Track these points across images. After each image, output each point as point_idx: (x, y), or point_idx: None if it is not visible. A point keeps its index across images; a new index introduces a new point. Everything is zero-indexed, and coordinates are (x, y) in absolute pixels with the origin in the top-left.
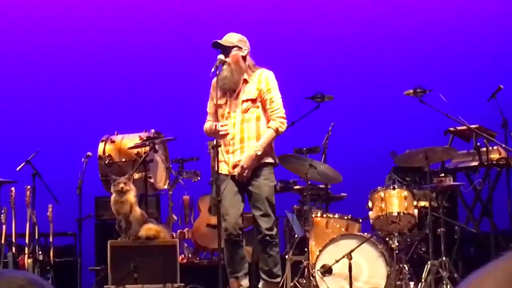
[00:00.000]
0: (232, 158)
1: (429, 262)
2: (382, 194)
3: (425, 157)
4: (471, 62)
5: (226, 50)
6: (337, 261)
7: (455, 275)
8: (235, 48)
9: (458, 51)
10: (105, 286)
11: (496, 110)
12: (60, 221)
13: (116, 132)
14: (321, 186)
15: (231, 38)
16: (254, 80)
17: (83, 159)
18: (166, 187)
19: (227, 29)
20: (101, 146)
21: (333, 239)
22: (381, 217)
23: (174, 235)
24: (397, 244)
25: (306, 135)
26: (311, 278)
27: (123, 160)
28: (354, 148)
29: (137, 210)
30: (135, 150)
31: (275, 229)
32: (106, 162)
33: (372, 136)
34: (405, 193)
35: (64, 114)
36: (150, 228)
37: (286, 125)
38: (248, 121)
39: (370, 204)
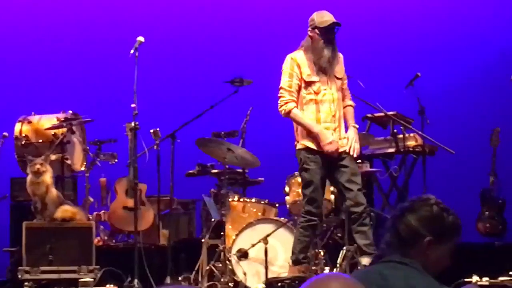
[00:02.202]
0: (334, 135)
1: (344, 248)
2: (299, 179)
3: None
4: (390, 49)
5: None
6: (253, 246)
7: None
8: None
9: (377, 37)
10: (19, 268)
11: (413, 97)
12: None
13: (33, 112)
14: (238, 170)
15: None
16: (338, 60)
17: None
18: (83, 168)
19: (140, 9)
20: (17, 126)
21: (250, 224)
22: (298, 202)
23: (90, 217)
24: None
25: (224, 119)
26: (227, 262)
27: (40, 141)
28: (272, 133)
29: (53, 192)
30: (52, 131)
31: None
32: (23, 143)
33: (290, 121)
34: None
35: None
36: (66, 210)
37: None
38: (340, 100)
39: (287, 189)
